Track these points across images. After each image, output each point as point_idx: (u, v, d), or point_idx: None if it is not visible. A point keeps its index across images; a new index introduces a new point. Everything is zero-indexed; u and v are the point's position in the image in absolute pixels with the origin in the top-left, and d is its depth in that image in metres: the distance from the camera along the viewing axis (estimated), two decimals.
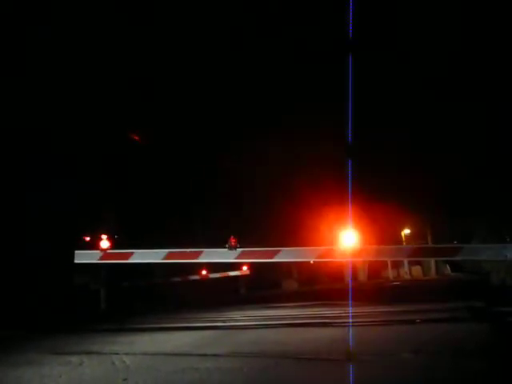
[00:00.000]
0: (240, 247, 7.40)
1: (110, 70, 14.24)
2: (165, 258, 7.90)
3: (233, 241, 7.41)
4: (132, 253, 8.08)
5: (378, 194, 21.67)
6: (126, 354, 5.92)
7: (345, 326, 7.37)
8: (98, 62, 13.75)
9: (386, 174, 21.51)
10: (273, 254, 7.46)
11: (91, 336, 7.92)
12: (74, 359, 5.75)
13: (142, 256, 8.13)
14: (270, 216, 21.72)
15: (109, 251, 8.13)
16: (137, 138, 16.19)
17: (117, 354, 5.96)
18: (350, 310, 9.27)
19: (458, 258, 7.47)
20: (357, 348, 5.33)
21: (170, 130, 17.88)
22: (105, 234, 8.29)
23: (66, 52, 12.87)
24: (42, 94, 13.18)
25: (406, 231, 37.22)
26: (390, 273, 32.84)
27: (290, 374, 4.51)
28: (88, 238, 13.81)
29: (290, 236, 22.22)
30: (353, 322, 7.58)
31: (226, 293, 14.48)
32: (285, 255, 7.51)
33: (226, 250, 7.45)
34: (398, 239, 36.36)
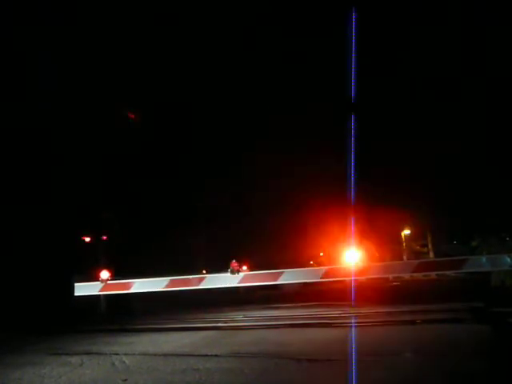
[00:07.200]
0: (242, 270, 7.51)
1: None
2: (167, 287, 7.93)
3: (235, 265, 7.44)
4: (133, 283, 8.13)
5: (378, 196, 21.78)
6: (126, 354, 5.92)
7: (345, 326, 7.36)
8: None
9: (385, 176, 21.59)
10: (276, 277, 7.51)
11: (91, 337, 7.91)
12: (74, 360, 5.75)
13: (143, 285, 8.17)
14: (274, 230, 21.93)
15: (109, 282, 8.18)
16: (132, 116, 16.11)
17: (117, 354, 5.96)
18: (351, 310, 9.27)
19: (462, 271, 7.50)
20: (358, 348, 5.32)
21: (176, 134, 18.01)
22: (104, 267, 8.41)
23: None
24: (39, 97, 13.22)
25: (406, 232, 37.18)
26: None
27: (291, 375, 4.50)
28: (88, 239, 13.81)
29: (294, 253, 22.50)
30: (353, 323, 7.58)
31: (226, 293, 14.44)
32: (288, 277, 7.55)
33: (229, 274, 7.50)
34: (399, 239, 36.37)
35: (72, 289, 8.45)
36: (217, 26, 15.57)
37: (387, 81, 17.57)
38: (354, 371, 4.36)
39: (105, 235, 13.25)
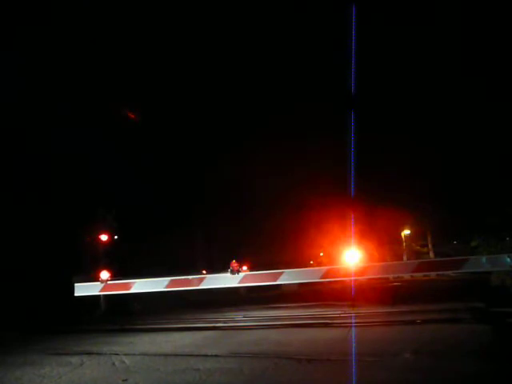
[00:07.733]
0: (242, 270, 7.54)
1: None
2: (167, 287, 7.95)
3: (234, 265, 7.45)
4: (133, 283, 8.14)
5: (378, 196, 21.81)
6: (126, 354, 5.92)
7: (345, 326, 7.36)
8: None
9: (385, 176, 21.63)
10: (276, 277, 7.54)
11: (91, 337, 7.92)
12: (75, 360, 5.75)
13: (143, 285, 8.18)
14: (274, 230, 21.97)
15: (109, 282, 8.19)
16: (132, 116, 16.10)
17: (117, 354, 5.96)
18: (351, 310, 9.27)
19: (462, 271, 7.50)
20: (358, 348, 5.32)
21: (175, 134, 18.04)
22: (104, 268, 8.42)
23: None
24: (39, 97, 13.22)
25: (406, 232, 37.17)
26: None
27: (291, 375, 4.50)
28: (89, 239, 13.79)
29: (294, 253, 22.52)
30: (353, 323, 7.57)
31: (226, 293, 14.45)
32: (288, 277, 7.57)
33: (229, 274, 7.51)
34: (399, 239, 36.37)
35: (72, 289, 8.45)
36: (217, 26, 15.59)
37: (387, 81, 17.57)
38: (354, 371, 4.37)
39: (105, 235, 13.24)
